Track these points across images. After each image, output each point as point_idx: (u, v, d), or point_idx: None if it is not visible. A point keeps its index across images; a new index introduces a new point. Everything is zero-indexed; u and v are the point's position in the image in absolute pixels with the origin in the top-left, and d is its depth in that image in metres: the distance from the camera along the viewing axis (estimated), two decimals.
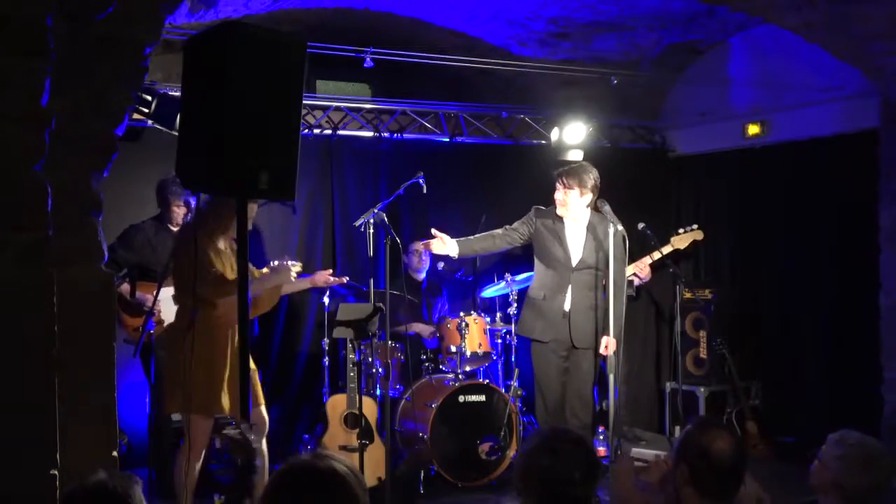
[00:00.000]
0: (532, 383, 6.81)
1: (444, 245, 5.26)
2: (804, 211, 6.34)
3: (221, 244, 4.26)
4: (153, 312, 4.90)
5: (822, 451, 2.78)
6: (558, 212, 5.30)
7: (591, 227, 5.30)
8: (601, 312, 5.21)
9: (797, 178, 6.38)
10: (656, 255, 6.06)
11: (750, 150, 6.71)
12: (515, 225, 5.47)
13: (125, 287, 5.14)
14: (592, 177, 5.23)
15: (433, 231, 5.32)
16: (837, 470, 2.70)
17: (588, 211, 5.31)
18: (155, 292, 4.69)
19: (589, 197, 5.23)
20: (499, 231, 5.50)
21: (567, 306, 5.22)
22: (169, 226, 5.35)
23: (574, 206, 5.23)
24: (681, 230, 6.27)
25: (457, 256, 5.38)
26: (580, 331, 5.22)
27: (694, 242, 6.30)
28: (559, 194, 5.26)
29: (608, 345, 5.11)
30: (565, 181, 5.21)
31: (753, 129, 6.66)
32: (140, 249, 5.22)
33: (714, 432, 2.50)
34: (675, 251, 6.28)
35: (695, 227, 6.25)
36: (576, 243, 5.29)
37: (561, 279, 5.22)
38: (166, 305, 5.12)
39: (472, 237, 5.47)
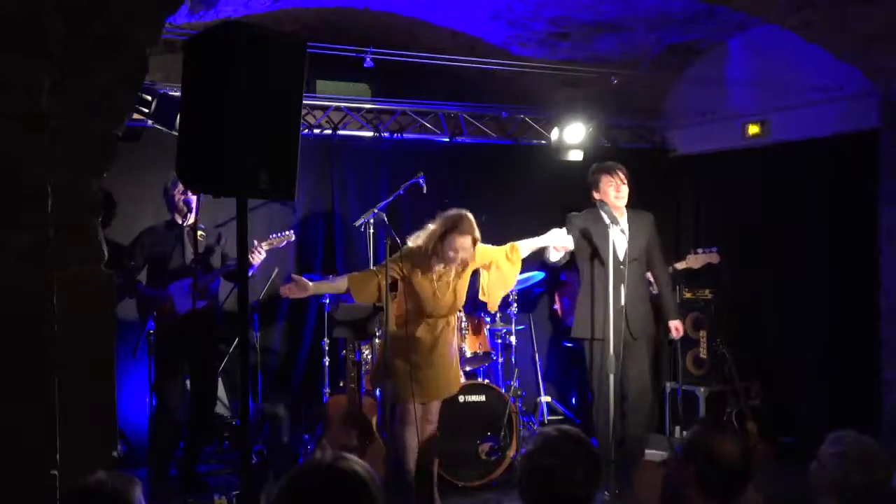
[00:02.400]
0: (533, 384, 6.84)
1: (568, 242, 5.27)
2: (804, 211, 6.34)
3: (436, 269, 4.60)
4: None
5: (821, 451, 2.78)
6: (620, 205, 5.38)
7: (631, 222, 5.40)
8: (647, 302, 5.47)
9: (797, 178, 6.37)
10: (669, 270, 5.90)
11: (750, 150, 6.71)
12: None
13: (141, 285, 5.21)
14: None
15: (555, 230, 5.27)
16: (835, 469, 2.71)
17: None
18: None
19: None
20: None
21: (623, 300, 5.25)
22: (177, 219, 5.33)
23: (625, 197, 5.42)
24: (699, 250, 6.09)
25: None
26: (635, 322, 5.31)
27: (708, 265, 6.12)
28: (617, 189, 5.36)
29: (678, 328, 5.55)
30: (623, 177, 5.38)
31: (753, 129, 6.65)
32: (151, 248, 5.25)
33: (724, 436, 2.51)
34: (688, 269, 6.13)
35: (714, 249, 6.05)
36: (621, 238, 5.33)
37: (616, 274, 5.22)
38: (179, 298, 5.15)
39: None
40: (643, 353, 5.39)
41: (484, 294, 4.93)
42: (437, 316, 4.65)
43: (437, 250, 4.51)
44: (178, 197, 5.27)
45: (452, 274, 4.62)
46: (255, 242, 5.33)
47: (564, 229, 5.18)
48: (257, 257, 5.31)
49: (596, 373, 5.31)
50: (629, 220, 5.40)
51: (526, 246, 5.00)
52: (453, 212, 4.56)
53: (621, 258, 5.28)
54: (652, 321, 5.54)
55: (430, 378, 4.67)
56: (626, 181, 5.37)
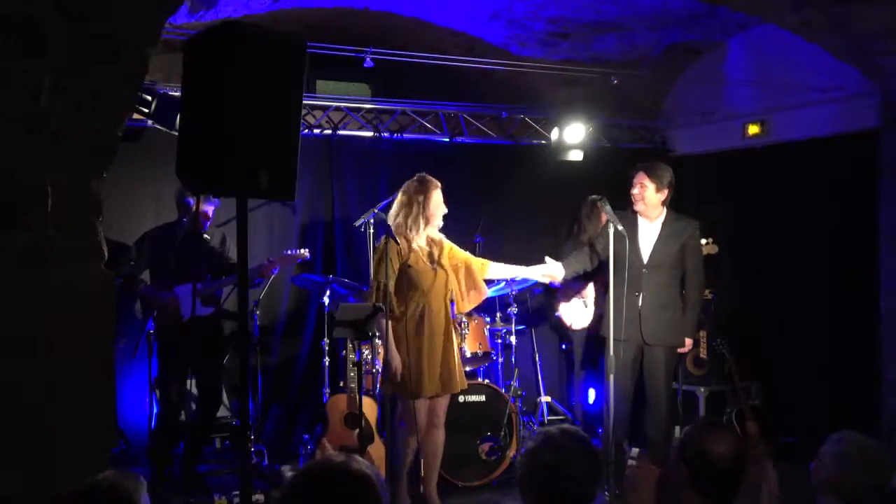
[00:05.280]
0: (533, 384, 6.84)
1: (556, 271, 5.29)
2: (804, 211, 6.34)
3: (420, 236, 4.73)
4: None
5: (821, 451, 2.78)
6: (636, 207, 5.32)
7: (666, 226, 5.33)
8: (673, 311, 5.29)
9: (797, 178, 6.38)
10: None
11: (750, 150, 6.71)
12: (592, 242, 5.52)
13: (144, 287, 5.21)
14: (669, 174, 5.31)
15: (548, 259, 5.29)
16: (835, 469, 2.71)
17: (664, 210, 5.35)
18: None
19: (665, 194, 5.29)
20: (582, 252, 5.59)
21: (639, 303, 5.23)
22: (185, 222, 5.30)
23: (650, 201, 5.28)
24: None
25: (561, 279, 5.41)
26: (651, 328, 5.24)
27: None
28: (636, 189, 5.31)
29: (688, 344, 5.37)
30: (644, 177, 5.28)
31: (753, 129, 6.66)
32: (154, 249, 5.24)
33: (715, 434, 2.51)
34: None
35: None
36: (648, 242, 5.31)
37: (634, 278, 5.21)
38: (184, 301, 5.15)
39: (567, 261, 5.45)
40: (660, 360, 5.27)
41: (460, 297, 4.97)
42: (436, 294, 4.72)
43: (424, 214, 4.71)
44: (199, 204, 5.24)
45: (435, 248, 4.80)
46: (269, 260, 5.33)
47: (551, 263, 5.23)
48: (270, 272, 5.33)
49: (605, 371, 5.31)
50: (665, 225, 5.33)
51: (498, 270, 5.10)
52: (417, 178, 4.79)
53: (645, 261, 5.26)
54: (679, 331, 5.34)
55: (438, 367, 4.68)
56: (643, 185, 5.27)
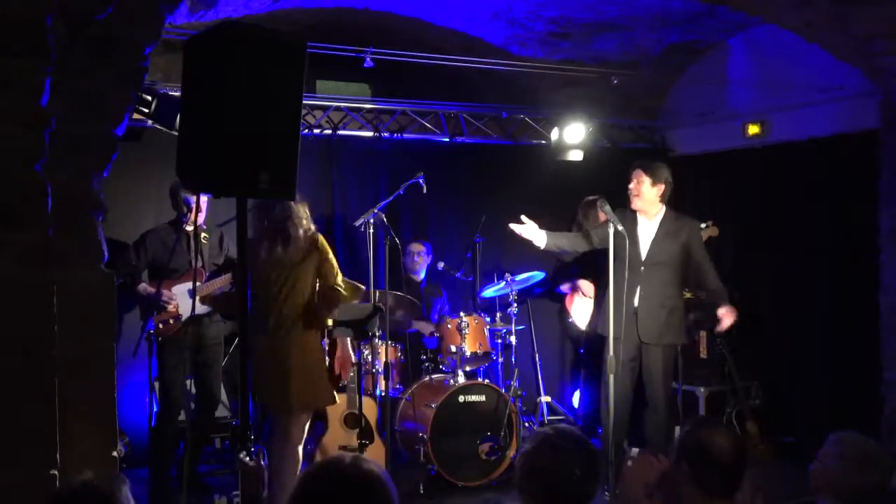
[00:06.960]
0: (533, 384, 6.84)
1: (534, 233, 5.33)
2: (804, 211, 6.34)
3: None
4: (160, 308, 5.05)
5: (822, 452, 2.79)
6: (633, 205, 5.32)
7: (665, 224, 5.32)
8: (671, 310, 5.27)
9: (797, 178, 6.37)
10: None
11: (750, 150, 6.71)
12: (589, 232, 5.54)
13: (143, 286, 5.18)
14: (666, 171, 5.33)
15: (523, 218, 5.33)
16: (835, 470, 2.71)
17: (662, 207, 5.34)
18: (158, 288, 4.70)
19: (661, 189, 5.28)
20: (576, 233, 5.67)
21: (636, 302, 5.23)
22: (186, 226, 5.29)
23: (647, 196, 5.28)
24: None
25: (543, 247, 5.43)
26: (647, 327, 5.22)
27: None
28: (632, 184, 5.32)
29: (726, 314, 5.33)
30: (641, 173, 5.29)
31: (753, 129, 6.65)
32: (154, 250, 5.22)
33: (713, 430, 2.52)
34: None
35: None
36: (646, 240, 5.31)
37: (632, 276, 5.20)
38: (182, 301, 5.15)
39: (554, 233, 5.53)
40: (657, 360, 5.25)
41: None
42: None
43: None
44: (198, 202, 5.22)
45: None
46: None
47: (531, 225, 5.27)
48: None
49: (603, 371, 5.31)
50: (663, 223, 5.33)
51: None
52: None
53: (643, 259, 5.26)
54: (677, 331, 5.33)
55: None
56: (640, 181, 5.28)
